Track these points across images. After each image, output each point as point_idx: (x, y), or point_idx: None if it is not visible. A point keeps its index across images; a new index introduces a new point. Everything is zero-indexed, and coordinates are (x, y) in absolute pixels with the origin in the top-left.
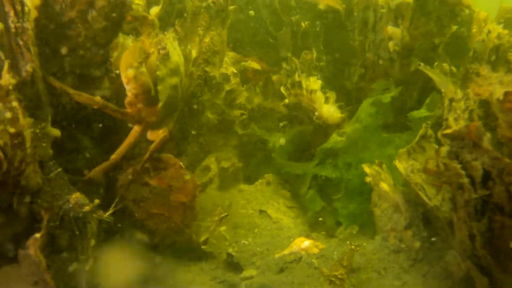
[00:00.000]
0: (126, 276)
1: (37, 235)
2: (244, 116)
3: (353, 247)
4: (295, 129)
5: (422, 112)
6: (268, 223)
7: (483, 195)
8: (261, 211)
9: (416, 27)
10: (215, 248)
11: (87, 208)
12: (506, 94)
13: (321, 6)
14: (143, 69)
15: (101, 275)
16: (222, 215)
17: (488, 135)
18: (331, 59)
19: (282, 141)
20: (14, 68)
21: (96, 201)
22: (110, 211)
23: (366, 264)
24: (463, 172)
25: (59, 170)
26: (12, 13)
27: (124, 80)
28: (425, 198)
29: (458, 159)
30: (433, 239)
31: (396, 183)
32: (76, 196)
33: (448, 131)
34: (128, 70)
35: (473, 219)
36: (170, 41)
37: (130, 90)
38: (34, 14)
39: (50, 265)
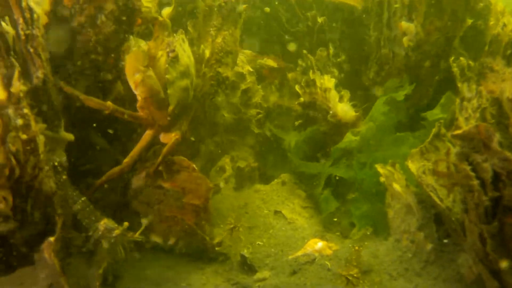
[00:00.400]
0: None
1: (51, 238)
2: (260, 115)
3: (356, 248)
4: (310, 128)
5: (436, 113)
6: (283, 223)
7: (494, 197)
8: (276, 212)
9: (430, 22)
10: (229, 249)
11: (116, 232)
12: None
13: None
14: (150, 72)
15: None
16: (232, 226)
17: (497, 135)
18: (348, 55)
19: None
20: (25, 75)
21: (126, 224)
22: (138, 233)
23: (378, 266)
24: (473, 174)
25: (83, 199)
26: (21, 20)
27: (132, 85)
28: (436, 199)
29: (468, 161)
30: (445, 241)
31: (409, 183)
32: (105, 222)
33: (458, 132)
34: (135, 75)
35: (483, 222)
36: (179, 43)
37: (139, 94)
38: (44, 20)
39: (64, 268)
